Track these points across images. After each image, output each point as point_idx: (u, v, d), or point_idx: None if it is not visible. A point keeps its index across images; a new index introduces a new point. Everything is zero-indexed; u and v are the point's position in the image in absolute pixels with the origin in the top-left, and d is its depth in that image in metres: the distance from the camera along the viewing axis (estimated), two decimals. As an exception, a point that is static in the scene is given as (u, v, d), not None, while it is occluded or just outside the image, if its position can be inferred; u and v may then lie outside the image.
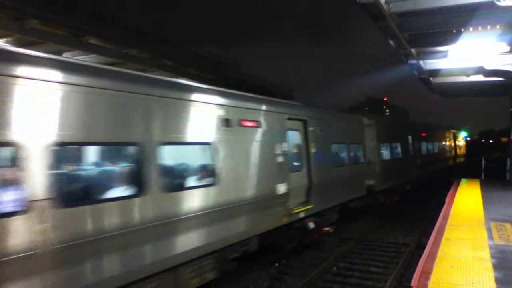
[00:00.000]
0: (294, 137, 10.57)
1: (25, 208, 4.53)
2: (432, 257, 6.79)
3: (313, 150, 11.09)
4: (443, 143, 31.67)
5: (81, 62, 6.02)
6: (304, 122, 10.88)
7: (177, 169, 7.16)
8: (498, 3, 8.39)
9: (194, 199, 6.90)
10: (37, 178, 4.69)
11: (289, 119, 10.12)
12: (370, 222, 15.52)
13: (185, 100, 7.00)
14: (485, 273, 5.96)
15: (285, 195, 9.58)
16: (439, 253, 7.00)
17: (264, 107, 9.25)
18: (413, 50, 13.56)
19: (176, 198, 6.59)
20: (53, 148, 4.86)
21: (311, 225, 11.04)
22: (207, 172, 7.41)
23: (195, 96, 7.24)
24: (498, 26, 10.89)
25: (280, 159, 9.46)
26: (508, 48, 13.12)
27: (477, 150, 46.61)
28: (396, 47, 12.99)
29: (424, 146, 24.68)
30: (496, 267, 6.24)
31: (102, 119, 5.55)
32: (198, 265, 7.29)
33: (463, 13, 10.10)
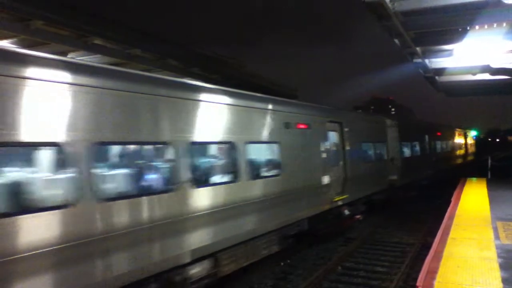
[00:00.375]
0: (333, 137, 12.44)
1: (176, 187, 6.59)
2: (438, 256, 6.74)
3: (347, 148, 13.03)
4: (456, 142, 33.87)
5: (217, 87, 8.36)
6: (340, 124, 12.82)
7: (257, 162, 9.01)
8: (505, 1, 8.32)
9: (268, 186, 8.91)
10: (183, 167, 6.76)
11: (329, 121, 12.21)
12: (374, 222, 15.45)
13: (262, 108, 9.20)
14: (491, 273, 5.92)
15: (328, 186, 11.58)
16: (445, 252, 6.96)
17: (312, 112, 11.46)
18: (418, 48, 13.47)
19: (256, 185, 8.60)
20: (193, 147, 7.10)
21: (346, 212, 12.97)
22: (275, 165, 9.39)
23: (269, 106, 9.44)
24: (504, 24, 10.79)
25: (324, 155, 11.51)
26: (514, 46, 13.02)
27: (486, 149, 46.87)
28: (401, 46, 12.90)
29: (438, 145, 27.01)
30: (502, 266, 6.18)
31: (219, 125, 7.84)
32: (268, 239, 9.18)
33: (468, 11, 10.01)
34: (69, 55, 13.46)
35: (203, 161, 7.79)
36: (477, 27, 11.08)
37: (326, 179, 11.46)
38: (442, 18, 10.70)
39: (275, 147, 9.41)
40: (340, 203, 12.26)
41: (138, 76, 6.75)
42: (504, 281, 5.60)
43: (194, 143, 7.09)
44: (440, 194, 19.30)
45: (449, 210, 10.95)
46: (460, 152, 35.61)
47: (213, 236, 7.30)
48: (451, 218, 9.85)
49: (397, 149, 18.25)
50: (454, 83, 19.47)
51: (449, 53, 14.20)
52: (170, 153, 6.59)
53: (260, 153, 9.20)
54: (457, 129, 34.76)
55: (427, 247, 8.61)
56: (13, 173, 4.91)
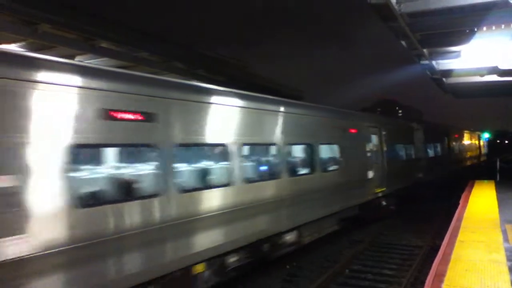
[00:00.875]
0: (374, 139, 14.90)
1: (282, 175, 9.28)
2: (446, 259, 6.68)
3: (385, 148, 15.57)
4: (470, 143, 37.56)
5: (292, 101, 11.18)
6: (379, 129, 15.35)
7: (325, 159, 11.51)
8: (512, 2, 8.24)
9: (333, 178, 11.56)
10: (285, 162, 9.47)
11: (371, 126, 14.82)
12: (382, 224, 15.36)
13: (330, 118, 12.05)
14: (500, 276, 5.85)
15: (371, 179, 14.12)
16: (453, 255, 6.89)
17: (358, 119, 14.27)
18: (425, 50, 13.39)
19: (326, 176, 11.24)
20: (290, 147, 10.17)
21: (384, 202, 15.42)
22: (335, 162, 11.91)
23: (333, 115, 12.45)
24: (512, 25, 10.71)
25: (368, 154, 14.20)
26: (523, 47, 12.90)
27: (496, 150, 47.38)
28: (408, 48, 12.84)
29: (456, 146, 30.48)
30: (512, 270, 6.12)
31: (304, 132, 10.50)
32: (330, 220, 11.73)
33: (476, 12, 9.93)
34: (76, 58, 13.56)
35: (294, 158, 10.64)
36: (484, 28, 10.99)
37: (370, 174, 14.02)
38: (449, 19, 10.63)
39: (335, 148, 12.05)
40: (380, 194, 14.86)
41: (266, 98, 9.53)
42: (514, 284, 5.54)
43: (290, 144, 9.97)
44: (449, 196, 19.15)
45: (457, 212, 10.86)
46: (475, 153, 39.22)
47: (298, 213, 9.85)
48: (460, 220, 9.76)
49: (423, 150, 20.94)
50: (462, 84, 19.33)
51: (457, 54, 14.10)
52: (286, 152, 9.77)
53: (327, 152, 11.68)
54: (471, 132, 36.95)
55: (436, 249, 8.54)
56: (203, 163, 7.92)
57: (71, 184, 4.97)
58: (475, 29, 11.27)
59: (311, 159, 10.72)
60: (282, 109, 9.63)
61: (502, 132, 62.13)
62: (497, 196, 13.57)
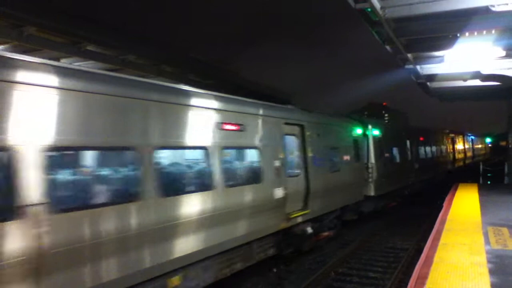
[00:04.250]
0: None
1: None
2: (429, 262, 6.78)
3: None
4: (470, 146, 43.62)
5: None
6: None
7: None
8: (493, 9, 8.44)
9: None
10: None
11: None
12: (369, 228, 15.51)
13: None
14: (481, 278, 5.96)
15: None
16: (436, 258, 7.00)
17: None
18: (409, 55, 13.61)
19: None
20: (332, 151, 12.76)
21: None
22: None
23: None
24: (493, 31, 10.94)
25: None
26: (504, 53, 13.18)
27: (501, 151, 48.91)
28: (393, 52, 13.04)
29: (457, 147, 34.61)
30: (492, 272, 6.23)
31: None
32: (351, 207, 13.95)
33: (458, 18, 10.15)
34: (62, 61, 13.47)
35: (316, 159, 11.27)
36: (467, 33, 11.23)
37: (279, 193, 10.13)
38: (433, 24, 10.84)
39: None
40: (300, 219, 10.88)
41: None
42: (493, 286, 5.64)
43: (334, 148, 12.54)
44: (437, 198, 19.36)
45: (440, 215, 11.02)
46: (460, 156, 40.64)
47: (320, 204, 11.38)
48: (443, 223, 9.91)
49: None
50: (446, 88, 19.67)
51: (440, 59, 14.37)
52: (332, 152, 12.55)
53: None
54: (451, 133, 37.53)
55: (421, 252, 8.66)
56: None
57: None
58: (458, 35, 11.50)
59: (338, 160, 13.23)
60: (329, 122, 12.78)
61: (486, 135, 63.37)
62: (479, 199, 13.79)
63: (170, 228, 6.40)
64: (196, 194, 7.08)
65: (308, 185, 10.81)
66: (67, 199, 5.17)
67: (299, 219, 10.48)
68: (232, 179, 8.20)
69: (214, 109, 7.73)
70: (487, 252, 7.28)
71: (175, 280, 6.67)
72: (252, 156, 9.10)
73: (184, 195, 6.85)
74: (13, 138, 4.53)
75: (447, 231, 9.04)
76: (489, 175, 26.98)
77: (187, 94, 7.35)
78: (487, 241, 8.05)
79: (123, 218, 5.65)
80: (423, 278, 6.01)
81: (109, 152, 5.94)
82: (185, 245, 6.72)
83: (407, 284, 6.79)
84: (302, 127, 10.97)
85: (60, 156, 5.21)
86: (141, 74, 15.65)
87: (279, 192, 9.47)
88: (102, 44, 14.45)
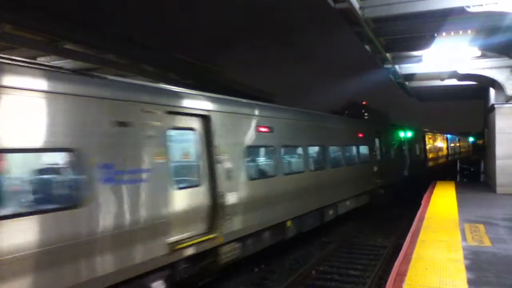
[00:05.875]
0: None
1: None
2: (407, 259, 6.88)
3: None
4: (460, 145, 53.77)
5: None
6: (206, 118, 8.08)
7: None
8: (468, 9, 8.60)
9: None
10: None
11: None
12: (351, 226, 15.64)
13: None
14: (458, 274, 6.07)
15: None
16: (414, 255, 7.10)
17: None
18: (388, 55, 13.77)
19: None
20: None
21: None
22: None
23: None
24: (469, 31, 11.15)
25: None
26: (480, 53, 13.45)
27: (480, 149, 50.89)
28: (372, 52, 13.17)
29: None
30: (469, 268, 6.36)
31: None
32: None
33: (435, 19, 10.30)
34: (39, 60, 13.19)
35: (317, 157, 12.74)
36: (444, 34, 11.41)
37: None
38: (410, 24, 10.98)
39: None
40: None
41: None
42: (470, 282, 5.76)
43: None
44: (417, 197, 19.60)
45: (419, 212, 11.19)
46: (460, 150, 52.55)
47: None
48: (421, 220, 10.06)
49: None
50: (424, 88, 19.98)
51: (418, 59, 14.58)
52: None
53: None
54: (463, 135, 44.12)
55: (400, 249, 8.77)
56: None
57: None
58: (435, 35, 11.68)
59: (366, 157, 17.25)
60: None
61: (464, 134, 65.42)
62: (456, 197, 14.06)
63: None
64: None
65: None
66: None
67: None
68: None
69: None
70: (464, 249, 7.42)
71: (289, 222, 10.69)
72: None
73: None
74: None
75: (425, 228, 9.18)
76: (465, 173, 27.55)
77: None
78: (463, 238, 8.21)
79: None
80: (402, 275, 6.09)
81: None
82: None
83: (386, 281, 6.87)
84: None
85: None
86: (121, 74, 15.44)
87: None
88: (80, 42, 14.19)
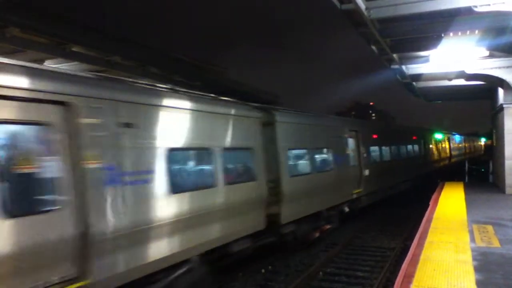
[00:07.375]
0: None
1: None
2: (415, 260, 6.83)
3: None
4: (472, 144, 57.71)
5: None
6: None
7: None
8: (476, 9, 8.55)
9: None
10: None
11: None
12: (357, 227, 15.56)
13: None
14: (466, 276, 6.02)
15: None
16: (422, 256, 7.05)
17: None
18: (395, 55, 13.72)
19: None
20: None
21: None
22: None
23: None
24: (476, 31, 11.08)
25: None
26: (487, 53, 13.36)
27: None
28: (379, 53, 13.13)
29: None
30: (477, 269, 6.30)
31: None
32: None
33: (443, 19, 10.26)
34: (46, 63, 13.29)
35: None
36: (451, 34, 11.35)
37: None
38: (417, 25, 10.95)
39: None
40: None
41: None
42: (478, 283, 5.71)
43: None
44: (423, 197, 19.49)
45: (427, 213, 11.12)
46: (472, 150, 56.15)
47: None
48: (429, 221, 9.99)
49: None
50: (431, 88, 19.89)
51: (425, 59, 14.51)
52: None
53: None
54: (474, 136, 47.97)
55: (407, 251, 8.71)
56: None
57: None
58: (442, 35, 11.62)
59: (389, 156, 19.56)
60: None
61: (472, 134, 65.57)
62: (465, 197, 13.96)
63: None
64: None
65: None
66: None
67: None
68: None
69: None
70: (472, 250, 7.36)
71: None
72: None
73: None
74: None
75: (433, 229, 9.12)
76: (474, 174, 27.35)
77: None
78: (472, 239, 8.14)
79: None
80: (409, 276, 6.05)
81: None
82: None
83: (394, 283, 6.83)
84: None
85: None
86: (127, 76, 15.50)
87: None
88: (87, 45, 14.28)
